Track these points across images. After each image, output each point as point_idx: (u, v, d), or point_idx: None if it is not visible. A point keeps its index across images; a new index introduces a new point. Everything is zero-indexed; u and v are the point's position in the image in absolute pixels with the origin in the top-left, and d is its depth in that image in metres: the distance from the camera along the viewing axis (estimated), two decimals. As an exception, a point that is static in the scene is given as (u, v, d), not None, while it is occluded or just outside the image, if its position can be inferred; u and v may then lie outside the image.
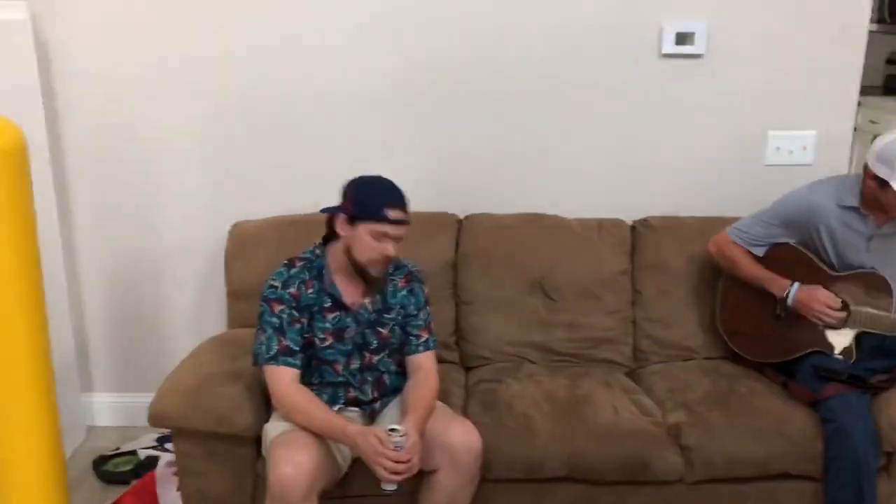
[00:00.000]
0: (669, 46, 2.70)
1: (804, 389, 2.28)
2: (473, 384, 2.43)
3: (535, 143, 2.81)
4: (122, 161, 2.81)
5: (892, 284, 2.29)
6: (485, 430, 2.06)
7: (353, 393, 2.14)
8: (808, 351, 2.37)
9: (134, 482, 2.65)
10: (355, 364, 2.13)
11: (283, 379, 2.02)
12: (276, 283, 2.08)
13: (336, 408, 2.10)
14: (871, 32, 6.05)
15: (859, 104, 5.58)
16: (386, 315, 2.14)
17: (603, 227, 2.71)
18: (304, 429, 1.96)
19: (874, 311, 2.30)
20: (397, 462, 1.84)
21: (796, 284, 2.35)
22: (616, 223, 2.73)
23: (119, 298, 2.96)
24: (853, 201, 2.33)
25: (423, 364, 2.14)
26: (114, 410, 3.07)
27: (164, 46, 2.69)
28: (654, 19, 2.69)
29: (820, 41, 2.72)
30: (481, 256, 2.64)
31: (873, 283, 2.31)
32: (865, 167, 2.29)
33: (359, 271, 2.05)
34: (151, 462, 2.72)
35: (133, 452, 2.82)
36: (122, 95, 2.74)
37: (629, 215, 2.78)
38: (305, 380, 2.09)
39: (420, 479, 2.04)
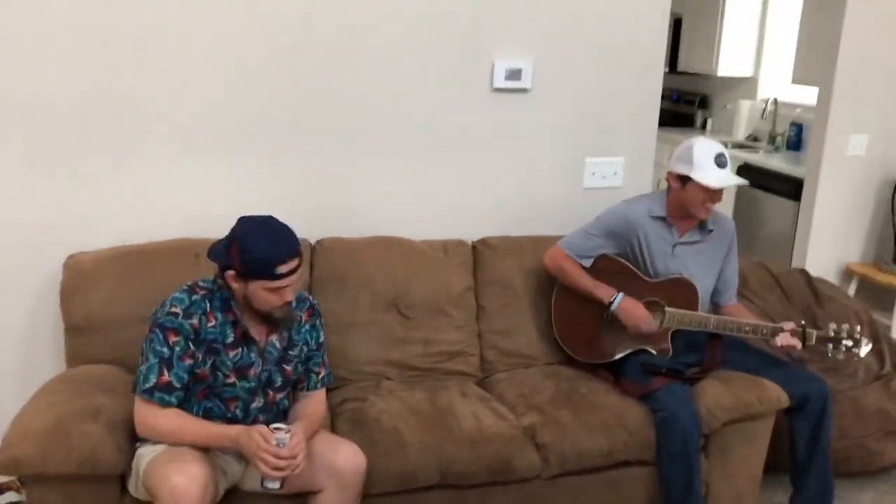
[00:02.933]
0: (500, 81, 2.94)
1: (634, 385, 2.58)
2: (338, 404, 2.48)
3: (379, 171, 2.92)
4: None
5: (697, 287, 2.65)
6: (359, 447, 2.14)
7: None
8: (633, 350, 2.67)
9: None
10: (258, 403, 2.09)
11: (152, 414, 1.96)
12: (177, 310, 1.97)
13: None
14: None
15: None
16: (290, 352, 2.12)
17: (448, 247, 2.88)
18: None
19: (685, 312, 2.64)
20: (280, 459, 1.84)
21: (620, 294, 2.65)
22: (459, 244, 2.92)
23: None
24: (661, 212, 2.68)
25: (318, 398, 2.20)
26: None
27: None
28: (487, 56, 2.92)
29: (627, 81, 3.10)
30: (337, 279, 2.70)
31: (683, 286, 2.66)
32: (668, 174, 2.65)
33: (263, 315, 2.02)
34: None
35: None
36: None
37: (469, 236, 2.98)
38: (188, 407, 2.03)
39: (304, 499, 2.06)
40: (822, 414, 2.57)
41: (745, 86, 5.81)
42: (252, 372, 2.06)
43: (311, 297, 2.22)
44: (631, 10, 3.02)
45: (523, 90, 2.99)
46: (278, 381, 2.11)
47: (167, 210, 2.72)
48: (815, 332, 2.53)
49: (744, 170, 5.00)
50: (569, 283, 2.76)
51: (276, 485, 1.92)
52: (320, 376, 2.21)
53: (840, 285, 4.32)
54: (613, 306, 2.65)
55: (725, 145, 5.32)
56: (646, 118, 3.18)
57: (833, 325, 2.57)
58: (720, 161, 2.55)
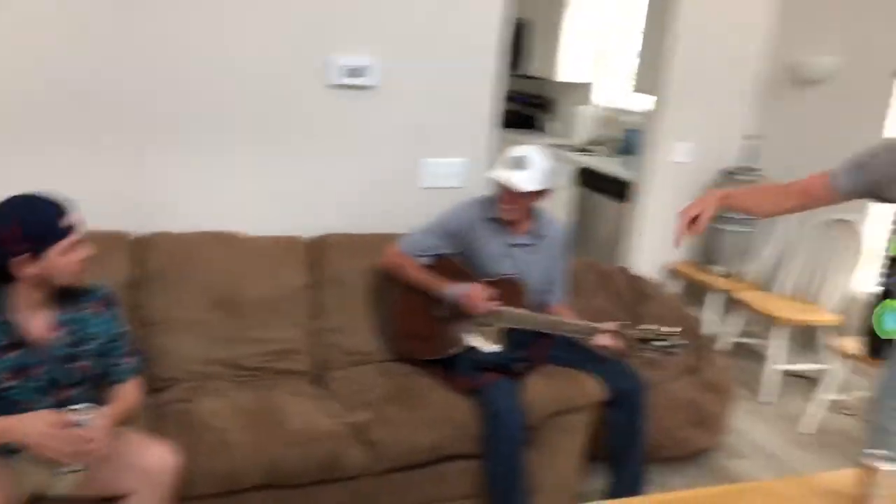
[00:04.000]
0: (341, 78, 2.93)
1: (464, 380, 2.65)
2: (163, 405, 2.40)
3: (211, 165, 2.84)
4: None
5: (527, 287, 2.76)
6: (182, 450, 2.07)
7: None
8: (465, 347, 2.74)
9: None
10: (48, 402, 1.96)
11: None
12: None
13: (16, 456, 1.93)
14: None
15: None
16: (82, 347, 2.01)
17: (284, 244, 2.85)
18: None
19: (516, 310, 2.74)
20: (81, 441, 1.78)
21: (454, 284, 2.72)
22: (296, 241, 2.89)
23: None
24: (494, 213, 2.77)
25: (129, 392, 2.09)
26: None
27: None
28: (325, 53, 2.90)
29: (466, 83, 3.17)
30: (163, 276, 2.61)
31: (514, 286, 2.76)
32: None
33: (60, 293, 1.93)
34: None
35: None
36: None
37: (307, 233, 2.95)
38: None
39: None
40: (636, 406, 2.74)
41: (585, 91, 6.09)
42: (34, 372, 1.94)
43: (103, 287, 2.10)
44: (469, 14, 3.09)
45: (368, 87, 2.99)
46: (70, 378, 2.00)
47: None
48: (631, 333, 2.69)
49: (582, 173, 5.24)
50: (406, 280, 2.80)
51: (74, 469, 1.83)
52: (126, 367, 2.10)
53: (666, 283, 4.63)
54: (449, 295, 2.70)
55: (566, 149, 5.61)
56: (484, 120, 3.26)
57: (648, 326, 2.73)
58: (513, 162, 2.67)
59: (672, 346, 2.66)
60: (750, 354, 4.34)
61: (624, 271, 4.00)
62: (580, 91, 6.13)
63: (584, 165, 5.28)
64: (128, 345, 2.12)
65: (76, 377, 2.01)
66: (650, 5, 4.81)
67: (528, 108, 6.69)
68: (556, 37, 5.88)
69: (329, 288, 2.87)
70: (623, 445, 2.76)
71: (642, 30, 4.86)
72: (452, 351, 2.74)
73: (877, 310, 3.40)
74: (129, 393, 2.09)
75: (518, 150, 2.70)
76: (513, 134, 6.14)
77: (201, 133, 2.80)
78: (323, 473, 2.31)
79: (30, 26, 2.50)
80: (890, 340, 3.42)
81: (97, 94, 2.63)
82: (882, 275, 3.45)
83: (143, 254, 2.63)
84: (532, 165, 2.66)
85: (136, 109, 2.69)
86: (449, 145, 3.22)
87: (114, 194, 2.70)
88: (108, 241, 2.59)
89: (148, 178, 2.76)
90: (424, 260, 2.80)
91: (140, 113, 2.70)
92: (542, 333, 2.79)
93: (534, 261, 2.83)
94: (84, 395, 2.03)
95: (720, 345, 4.27)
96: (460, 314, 2.73)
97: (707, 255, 4.56)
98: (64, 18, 2.53)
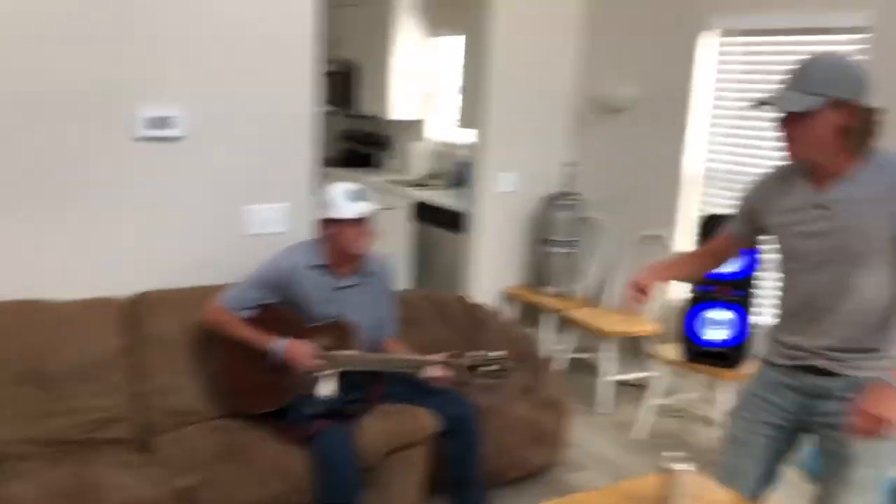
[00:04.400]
0: (146, 130, 2.86)
1: (296, 431, 2.62)
2: (-35, 495, 2.22)
3: (18, 230, 2.69)
4: None
5: (356, 327, 2.78)
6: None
7: None
8: (297, 396, 2.72)
9: None
10: None
11: None
12: None
13: None
14: (327, 114, 7.04)
15: (324, 175, 6.43)
16: None
17: (95, 307, 2.73)
18: None
19: (347, 352, 2.75)
20: None
21: (279, 339, 2.70)
22: (108, 302, 2.77)
23: None
24: (318, 259, 2.78)
25: None
26: None
27: None
28: (129, 105, 2.82)
29: (283, 129, 3.18)
30: (-42, 354, 2.43)
31: (344, 329, 2.77)
32: (317, 223, 2.76)
33: None
34: None
35: None
36: None
37: (128, 292, 2.84)
38: None
39: None
40: (470, 432, 2.81)
41: (418, 128, 6.24)
42: None
43: None
44: (281, 60, 3.11)
45: (173, 139, 2.94)
46: None
47: None
48: (460, 362, 2.76)
49: (419, 207, 5.35)
50: (230, 336, 2.75)
51: None
52: None
53: (504, 308, 4.79)
54: (276, 349, 2.68)
55: (404, 184, 5.72)
56: (304, 164, 3.27)
57: (476, 353, 2.81)
58: (353, 196, 2.72)
59: (501, 370, 2.75)
60: (586, 369, 4.55)
61: (461, 300, 4.11)
62: (413, 128, 6.27)
63: (420, 200, 5.39)
64: None
65: None
66: (466, 47, 5.03)
67: (365, 146, 6.76)
68: (385, 78, 6.00)
69: (150, 348, 2.77)
70: (461, 473, 2.82)
71: (461, 68, 5.07)
72: (285, 402, 2.72)
73: (696, 320, 3.68)
74: None
75: (346, 186, 2.75)
76: (353, 173, 6.20)
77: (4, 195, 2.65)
78: (145, 548, 2.22)
79: None
80: (709, 345, 3.71)
81: None
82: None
83: (-64, 332, 2.45)
84: (365, 196, 2.75)
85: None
86: (271, 191, 3.21)
87: None
88: None
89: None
90: (246, 313, 2.76)
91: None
92: (375, 373, 2.81)
93: (362, 301, 2.85)
94: None
95: (557, 362, 4.46)
96: (286, 365, 2.72)
97: (539, 277, 4.77)
98: None
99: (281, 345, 2.69)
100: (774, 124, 2.03)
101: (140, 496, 2.28)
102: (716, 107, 4.13)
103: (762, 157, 3.87)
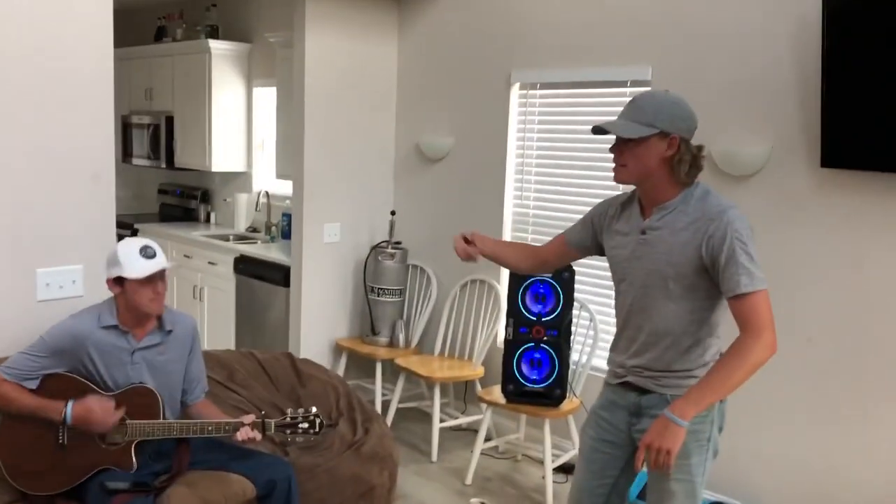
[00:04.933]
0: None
1: (89, 508, 2.41)
2: None
3: None
4: None
5: (158, 394, 2.61)
6: None
7: None
8: (95, 471, 2.51)
9: None
10: None
11: None
12: None
13: None
14: (143, 167, 6.77)
15: (138, 230, 6.14)
16: None
17: None
18: None
19: (146, 422, 2.56)
20: None
21: (70, 402, 2.48)
22: None
23: None
24: (113, 320, 2.60)
25: None
26: None
27: None
28: None
29: (79, 188, 2.96)
30: None
31: (144, 395, 2.59)
32: (107, 282, 2.60)
33: None
34: None
35: None
36: None
37: None
38: None
39: None
40: (288, 494, 2.69)
41: (242, 180, 6.09)
42: None
43: None
44: (74, 113, 2.93)
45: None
46: None
47: None
48: (272, 422, 2.66)
49: (241, 261, 5.19)
50: (12, 410, 2.50)
51: None
52: None
53: (333, 360, 4.70)
54: (68, 419, 2.47)
55: (227, 238, 5.54)
56: (103, 224, 3.08)
57: (290, 411, 2.72)
58: (146, 253, 2.59)
59: (311, 427, 2.68)
60: (421, 416, 4.54)
61: (286, 356, 3.99)
62: (238, 179, 6.12)
63: (242, 253, 5.22)
64: None
65: None
66: (279, 98, 5.00)
67: (186, 199, 6.51)
68: (205, 129, 5.83)
69: (-82, 432, 2.46)
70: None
71: (275, 120, 5.03)
72: (80, 480, 2.49)
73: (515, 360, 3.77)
74: None
75: (136, 242, 2.62)
76: (176, 228, 5.93)
77: None
78: None
79: None
80: (529, 384, 3.80)
81: None
82: (508, 325, 3.85)
83: None
84: (157, 251, 2.62)
85: None
86: (67, 253, 2.99)
87: None
88: None
89: None
90: (31, 383, 2.52)
91: None
92: (181, 439, 2.65)
93: (164, 361, 2.69)
94: None
95: (390, 411, 4.42)
96: (82, 434, 2.50)
97: (369, 326, 4.73)
98: None
99: (69, 408, 2.47)
100: (609, 150, 2.19)
101: None
102: (521, 155, 4.32)
103: (570, 202, 4.08)
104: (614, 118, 2.17)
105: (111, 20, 3.00)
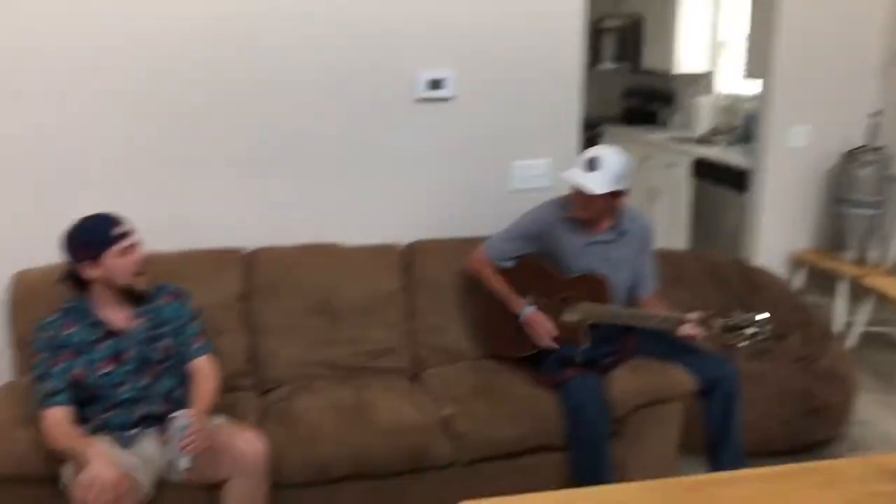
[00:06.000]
0: (423, 91, 3.10)
1: (549, 377, 2.72)
2: (268, 405, 2.64)
3: (313, 183, 3.09)
4: None
5: (608, 282, 2.79)
6: (277, 440, 2.31)
7: (144, 410, 2.30)
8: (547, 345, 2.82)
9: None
10: (144, 381, 2.32)
11: (48, 421, 2.20)
12: (35, 335, 2.30)
13: (132, 432, 2.26)
14: (609, 71, 6.99)
15: (602, 133, 6.42)
16: (159, 329, 2.37)
17: (378, 251, 3.04)
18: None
19: (596, 306, 2.77)
20: (188, 441, 2.11)
21: (529, 308, 2.81)
22: (389, 248, 3.07)
23: None
24: (573, 212, 2.82)
25: (203, 366, 2.41)
26: None
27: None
28: (408, 68, 3.08)
29: (546, 84, 3.24)
30: (269, 287, 2.87)
31: (597, 282, 2.79)
32: None
33: (127, 293, 2.33)
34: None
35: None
36: None
37: (402, 240, 3.13)
38: (91, 411, 2.24)
39: (213, 492, 2.23)
40: (731, 396, 2.68)
41: (704, 81, 5.92)
42: (126, 356, 2.32)
43: (173, 285, 2.49)
44: (545, 16, 3.17)
45: (446, 99, 3.14)
46: (155, 356, 2.35)
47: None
48: (718, 321, 2.64)
49: (699, 165, 5.11)
50: (487, 289, 2.92)
51: (186, 463, 2.11)
52: (197, 345, 2.44)
53: (789, 274, 4.43)
54: (521, 318, 2.81)
55: (686, 141, 5.49)
56: (568, 120, 3.31)
57: (737, 314, 2.67)
58: (586, 164, 2.69)
59: (761, 334, 2.59)
60: (884, 344, 4.07)
61: (737, 262, 3.90)
62: (700, 82, 5.97)
63: (701, 157, 5.14)
64: (198, 329, 2.46)
65: (160, 355, 2.36)
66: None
67: (648, 103, 6.58)
68: (671, 30, 5.77)
69: (422, 291, 3.03)
70: (719, 437, 2.71)
71: (750, 13, 4.71)
72: (537, 349, 2.82)
73: None
74: (204, 372, 2.40)
75: (591, 152, 2.73)
76: (636, 131, 6.09)
77: (303, 156, 3.06)
78: (410, 464, 2.46)
79: (155, 73, 2.85)
80: None
81: (215, 128, 2.96)
82: None
83: (252, 268, 2.91)
84: (604, 167, 2.68)
85: (243, 140, 2.99)
86: (536, 147, 3.30)
87: (226, 215, 3.01)
88: (223, 258, 2.90)
89: (254, 199, 3.04)
90: (507, 263, 2.90)
91: (245, 142, 2.99)
92: (628, 327, 2.80)
93: (615, 257, 2.84)
94: (171, 375, 2.36)
95: (852, 334, 4.05)
96: (541, 311, 2.82)
97: (834, 241, 4.32)
98: (180, 58, 2.86)
99: (526, 312, 2.80)
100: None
101: (407, 418, 2.53)
102: None
103: None
104: None
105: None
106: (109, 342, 2.31)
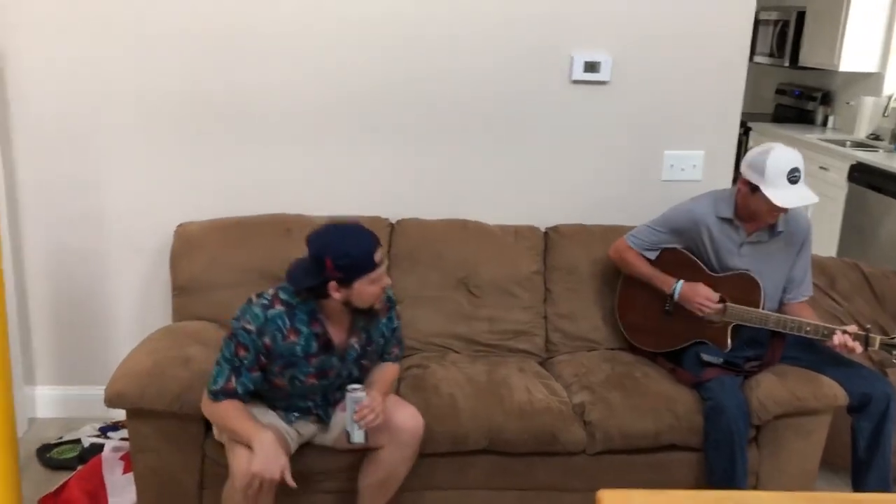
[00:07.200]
0: (579, 74, 3.05)
1: (688, 374, 2.64)
2: (404, 371, 2.70)
3: (460, 159, 3.11)
4: (69, 161, 2.97)
5: (760, 284, 2.67)
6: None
7: (317, 412, 2.31)
8: (692, 342, 2.73)
9: (79, 468, 2.79)
10: (336, 396, 2.30)
11: (221, 407, 2.13)
12: (251, 327, 2.07)
13: (297, 415, 2.30)
14: (762, 65, 6.68)
15: (750, 129, 6.16)
16: (369, 348, 2.28)
17: (519, 232, 3.03)
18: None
19: (745, 308, 2.66)
20: (363, 413, 2.11)
21: (681, 282, 2.71)
22: (531, 229, 3.06)
23: (63, 294, 3.10)
24: (728, 213, 2.70)
25: (392, 369, 2.42)
26: (55, 403, 3.20)
27: (110, 51, 2.88)
28: (565, 50, 3.03)
29: (706, 74, 3.12)
30: (411, 257, 2.92)
31: (746, 283, 2.68)
32: (740, 176, 2.67)
33: (361, 313, 2.15)
34: (95, 449, 2.86)
35: (77, 441, 2.96)
36: (69, 96, 2.90)
37: (542, 223, 3.11)
38: (267, 397, 2.26)
39: (363, 455, 2.30)
40: (884, 414, 2.53)
41: (871, 81, 5.55)
42: (332, 373, 2.22)
43: (387, 290, 2.26)
44: (713, 3, 3.04)
45: (602, 83, 3.08)
46: (355, 374, 2.28)
47: (264, 189, 3.04)
48: (878, 338, 2.48)
49: (857, 170, 4.81)
50: (631, 273, 2.85)
51: (361, 437, 2.15)
52: (392, 355, 2.41)
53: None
54: (675, 294, 2.72)
55: (844, 144, 5.18)
56: (728, 112, 3.18)
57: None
58: (792, 178, 2.52)
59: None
60: None
61: (894, 275, 3.65)
62: (866, 81, 5.60)
63: (860, 161, 4.83)
64: (398, 337, 2.41)
65: (360, 375, 2.29)
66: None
67: (802, 101, 6.24)
68: (838, 25, 5.43)
69: (559, 276, 3.00)
70: (867, 456, 2.56)
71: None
72: (679, 346, 2.75)
73: None
74: (388, 372, 2.38)
75: (784, 160, 2.53)
76: (789, 129, 5.79)
77: (446, 132, 3.08)
78: (540, 446, 2.45)
79: (325, 42, 2.95)
80: None
81: (366, 104, 3.03)
82: None
83: (397, 237, 2.97)
84: (802, 174, 2.55)
85: (391, 115, 3.05)
86: (690, 138, 3.19)
87: (376, 184, 3.09)
88: (370, 225, 2.96)
89: (404, 170, 3.10)
90: (650, 254, 2.83)
91: (395, 117, 3.05)
92: (775, 332, 2.68)
93: (768, 258, 2.72)
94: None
95: None
96: (685, 307, 2.72)
97: None
98: (350, 34, 2.94)
99: (678, 287, 2.71)
100: None
101: (539, 400, 2.52)
102: None
103: None
104: None
105: None
106: (322, 357, 2.17)
